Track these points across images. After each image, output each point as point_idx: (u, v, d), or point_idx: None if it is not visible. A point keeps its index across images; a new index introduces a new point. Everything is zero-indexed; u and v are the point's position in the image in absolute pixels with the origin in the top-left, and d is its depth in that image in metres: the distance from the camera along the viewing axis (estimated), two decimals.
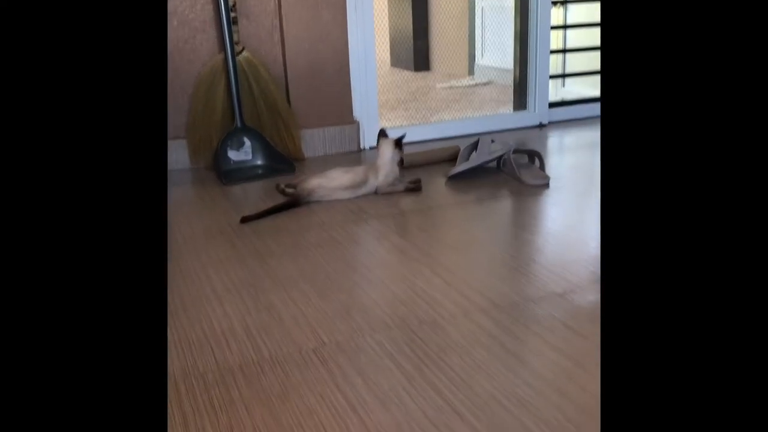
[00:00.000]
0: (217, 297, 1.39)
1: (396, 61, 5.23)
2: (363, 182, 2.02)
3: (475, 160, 2.23)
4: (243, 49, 2.35)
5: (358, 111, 2.65)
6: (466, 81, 4.39)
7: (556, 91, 3.76)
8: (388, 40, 5.13)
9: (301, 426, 0.97)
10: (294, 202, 1.96)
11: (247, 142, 2.37)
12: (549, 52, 2.98)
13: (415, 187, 2.07)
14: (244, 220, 1.84)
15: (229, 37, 2.25)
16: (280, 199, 1.99)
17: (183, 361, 1.15)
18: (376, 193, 2.05)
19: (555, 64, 3.56)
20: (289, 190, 2.05)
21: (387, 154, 2.04)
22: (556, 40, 3.48)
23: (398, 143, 2.05)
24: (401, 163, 2.07)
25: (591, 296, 1.34)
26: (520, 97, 3.09)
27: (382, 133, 2.09)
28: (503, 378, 1.06)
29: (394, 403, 1.01)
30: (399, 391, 1.04)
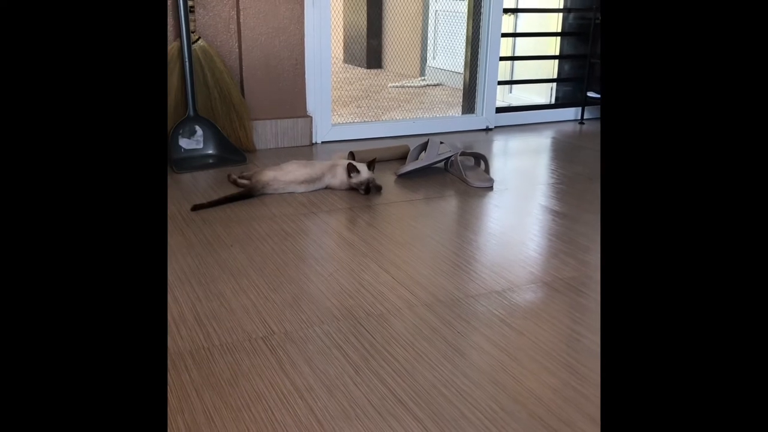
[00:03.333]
0: (168, 284, 1.41)
1: (349, 58, 5.27)
2: (318, 179, 2.06)
3: (424, 160, 2.30)
4: (199, 38, 2.36)
5: (312, 105, 2.68)
6: (417, 82, 4.46)
7: (503, 97, 3.88)
8: (342, 36, 5.16)
9: (250, 409, 1.01)
10: (247, 193, 1.98)
11: (199, 131, 2.37)
12: (498, 58, 3.08)
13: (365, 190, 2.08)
14: (196, 208, 1.86)
15: (185, 25, 2.25)
16: (231, 189, 2.02)
17: None
18: (326, 187, 2.09)
19: (504, 70, 3.67)
20: (242, 181, 2.07)
21: (364, 171, 2.05)
22: (505, 47, 3.59)
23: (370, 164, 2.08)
24: (372, 189, 2.08)
25: (528, 295, 1.42)
26: (469, 101, 3.18)
27: (353, 168, 2.06)
28: (444, 369, 1.13)
29: (341, 390, 1.06)
30: (345, 379, 1.09)
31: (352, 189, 2.08)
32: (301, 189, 2.04)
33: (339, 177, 2.07)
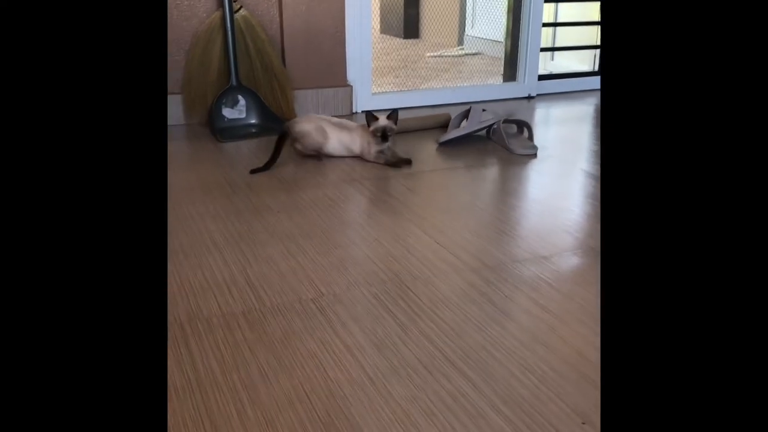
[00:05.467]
0: (217, 247, 1.44)
1: (386, 28, 5.23)
2: (348, 130, 2.07)
3: (466, 128, 2.28)
4: (240, 7, 2.36)
5: (352, 75, 2.67)
6: (456, 51, 4.41)
7: (545, 64, 3.81)
8: (378, 6, 5.11)
9: (303, 366, 1.03)
10: (283, 135, 2.02)
11: (242, 101, 2.39)
12: (541, 25, 3.02)
13: (396, 162, 2.04)
14: (254, 171, 1.94)
15: None
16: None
17: (187, 305, 1.20)
18: (361, 157, 2.07)
19: (545, 37, 3.60)
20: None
21: (382, 120, 2.00)
22: (547, 13, 3.52)
23: (392, 117, 2.02)
24: (384, 138, 2.01)
25: (574, 260, 1.41)
26: (510, 69, 3.14)
27: (371, 116, 2.01)
28: (492, 330, 1.13)
29: (389, 349, 1.08)
30: (394, 339, 1.11)
31: (374, 149, 2.02)
32: (332, 132, 2.07)
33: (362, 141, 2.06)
